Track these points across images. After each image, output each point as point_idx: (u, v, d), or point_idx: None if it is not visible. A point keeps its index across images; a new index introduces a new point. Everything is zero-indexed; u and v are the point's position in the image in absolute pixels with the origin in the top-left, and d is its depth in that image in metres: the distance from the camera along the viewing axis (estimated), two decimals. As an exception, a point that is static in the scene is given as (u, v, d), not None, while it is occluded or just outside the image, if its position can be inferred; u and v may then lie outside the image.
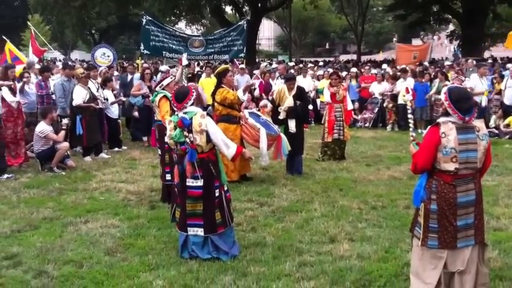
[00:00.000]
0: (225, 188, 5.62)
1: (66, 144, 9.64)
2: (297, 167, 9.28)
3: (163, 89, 7.44)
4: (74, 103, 10.61)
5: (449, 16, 36.08)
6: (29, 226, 6.56)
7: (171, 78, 7.83)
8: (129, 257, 5.57)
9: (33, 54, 15.09)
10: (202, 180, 5.38)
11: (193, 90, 5.59)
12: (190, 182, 5.40)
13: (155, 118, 7.69)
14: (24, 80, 11.25)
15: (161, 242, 5.97)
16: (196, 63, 20.55)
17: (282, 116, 9.17)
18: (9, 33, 20.52)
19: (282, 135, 8.74)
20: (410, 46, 20.99)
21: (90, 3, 26.64)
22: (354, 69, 18.64)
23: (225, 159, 5.92)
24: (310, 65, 26.27)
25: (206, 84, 14.03)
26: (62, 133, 9.92)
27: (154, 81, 13.31)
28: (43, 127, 9.62)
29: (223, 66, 10.44)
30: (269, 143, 8.46)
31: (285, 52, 58.12)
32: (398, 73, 16.08)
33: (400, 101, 14.63)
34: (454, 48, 40.48)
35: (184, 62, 9.89)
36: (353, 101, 13.41)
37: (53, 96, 11.52)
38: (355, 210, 7.14)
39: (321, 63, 30.23)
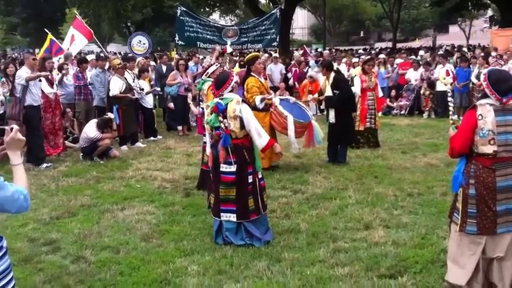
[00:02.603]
0: (259, 176, 5.61)
1: (108, 141, 9.87)
2: (339, 156, 9.14)
3: (209, 76, 7.37)
4: (111, 93, 10.80)
5: (488, 1, 35.07)
6: (67, 213, 6.71)
7: (217, 65, 7.77)
8: (164, 243, 5.64)
9: (85, 37, 15.11)
10: (235, 166, 5.40)
11: (233, 76, 5.60)
12: (223, 168, 5.43)
13: (201, 106, 7.65)
14: (63, 71, 11.50)
15: (196, 228, 6.02)
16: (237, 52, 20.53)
17: (322, 106, 9.11)
18: (47, 27, 20.91)
19: (314, 122, 8.65)
20: (506, 30, 20.08)
21: (125, -4, 26.98)
22: (382, 56, 18.30)
23: (256, 147, 5.90)
24: (361, 51, 26.04)
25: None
26: (114, 133, 10.36)
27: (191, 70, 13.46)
28: (96, 133, 9.75)
29: (252, 53, 10.39)
30: (298, 130, 8.37)
31: (319, 41, 57.60)
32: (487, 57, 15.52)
33: (438, 88, 14.36)
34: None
35: (229, 49, 9.89)
36: (383, 88, 13.22)
37: (90, 87, 11.71)
38: (391, 197, 7.04)
39: (360, 51, 30.11)
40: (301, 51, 24.60)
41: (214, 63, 8.10)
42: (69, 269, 5.03)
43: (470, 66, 14.61)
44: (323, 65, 9.65)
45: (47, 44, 14.80)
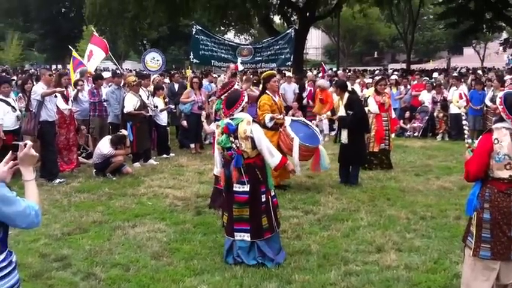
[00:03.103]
0: (272, 194, 5.60)
1: (121, 158, 9.95)
2: (351, 177, 9.09)
3: None
4: (125, 110, 10.86)
5: (503, 24, 34.97)
6: (78, 229, 6.72)
7: (238, 84, 7.74)
8: (174, 261, 5.62)
9: (103, 51, 15.27)
10: (248, 185, 5.39)
11: (244, 96, 5.60)
12: (236, 187, 5.43)
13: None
14: (79, 88, 11.63)
15: (206, 247, 6.00)
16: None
17: (335, 126, 9.09)
18: (65, 43, 21.30)
19: (321, 147, 8.61)
20: None
21: (142, 14, 27.18)
22: (393, 77, 18.29)
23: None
24: (377, 71, 26.13)
25: (253, 92, 14.08)
26: (128, 150, 10.45)
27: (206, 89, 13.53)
28: (109, 150, 9.83)
29: (268, 71, 10.43)
30: (303, 154, 8.30)
31: (332, 61, 57.79)
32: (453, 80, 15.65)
33: (451, 110, 14.29)
34: (508, 56, 39.27)
35: (240, 67, 9.91)
36: (395, 110, 13.18)
37: (105, 104, 11.81)
38: (403, 220, 6.97)
39: (376, 72, 30.22)
40: (315, 72, 24.66)
41: (235, 83, 8.09)
42: (79, 286, 5.03)
43: (485, 88, 14.54)
44: (337, 85, 9.67)
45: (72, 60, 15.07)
